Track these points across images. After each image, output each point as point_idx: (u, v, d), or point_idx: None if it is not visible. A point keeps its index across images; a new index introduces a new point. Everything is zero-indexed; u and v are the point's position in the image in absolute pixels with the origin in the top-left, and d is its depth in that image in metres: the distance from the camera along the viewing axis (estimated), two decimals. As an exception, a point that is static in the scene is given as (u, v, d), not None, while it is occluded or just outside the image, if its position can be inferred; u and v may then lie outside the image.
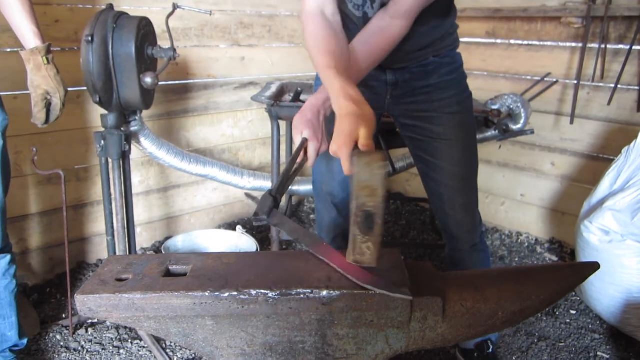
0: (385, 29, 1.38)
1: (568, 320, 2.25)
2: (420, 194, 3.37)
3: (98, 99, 1.83)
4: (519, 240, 2.98)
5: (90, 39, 1.74)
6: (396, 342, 1.09)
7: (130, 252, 2.14)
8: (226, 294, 1.01)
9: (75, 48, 2.30)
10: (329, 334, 1.07)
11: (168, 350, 2.00)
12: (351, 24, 1.49)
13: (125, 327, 2.10)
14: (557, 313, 2.30)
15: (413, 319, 1.06)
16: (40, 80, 1.62)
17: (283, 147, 2.74)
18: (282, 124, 2.55)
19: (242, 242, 2.53)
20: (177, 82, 2.72)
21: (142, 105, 1.92)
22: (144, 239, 2.81)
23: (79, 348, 2.01)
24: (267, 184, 2.68)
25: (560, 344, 2.09)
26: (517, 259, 2.80)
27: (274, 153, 2.40)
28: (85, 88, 1.86)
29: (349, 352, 1.09)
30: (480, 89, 2.78)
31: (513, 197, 3.05)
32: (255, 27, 2.95)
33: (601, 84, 2.55)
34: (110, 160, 2.00)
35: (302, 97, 2.44)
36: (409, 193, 3.61)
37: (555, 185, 2.86)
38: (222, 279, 1.06)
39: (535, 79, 2.74)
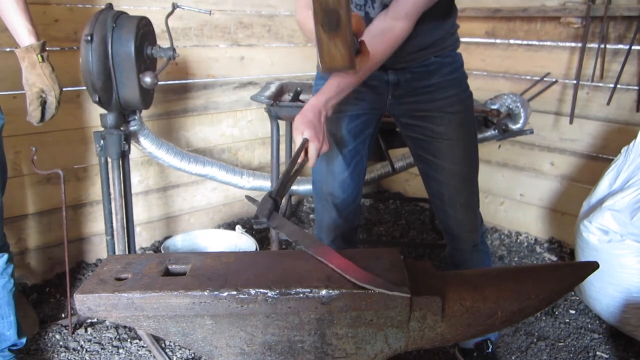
0: (387, 30, 1.38)
1: (567, 320, 2.25)
2: (420, 193, 3.37)
3: (97, 99, 1.82)
4: (519, 240, 2.98)
5: (89, 38, 1.73)
6: (395, 341, 1.09)
7: (129, 252, 2.14)
8: (225, 294, 1.01)
9: (75, 48, 2.30)
10: (328, 333, 1.07)
11: (167, 350, 2.00)
12: None
13: (125, 327, 2.10)
14: (557, 313, 2.30)
15: (412, 319, 1.06)
16: (35, 78, 1.60)
17: (282, 146, 2.74)
18: (282, 124, 2.55)
19: (242, 241, 2.53)
20: (176, 81, 2.72)
21: (142, 104, 1.92)
22: (143, 239, 2.81)
23: (78, 347, 2.01)
24: (267, 184, 2.68)
25: (560, 344, 2.09)
26: (516, 259, 2.80)
27: (274, 153, 2.40)
28: (84, 87, 1.86)
29: (348, 352, 1.09)
30: (480, 88, 2.78)
31: (512, 197, 3.05)
32: (254, 27, 2.95)
33: (600, 84, 2.55)
34: (109, 160, 2.00)
35: (301, 97, 2.44)
36: (409, 193, 3.61)
37: (554, 185, 2.86)
38: (222, 278, 1.06)
39: (535, 79, 2.74)
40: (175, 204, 2.90)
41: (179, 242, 2.55)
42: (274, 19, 3.02)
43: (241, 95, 2.98)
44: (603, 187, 2.20)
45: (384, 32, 1.38)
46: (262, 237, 2.83)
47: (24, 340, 1.83)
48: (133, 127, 2.09)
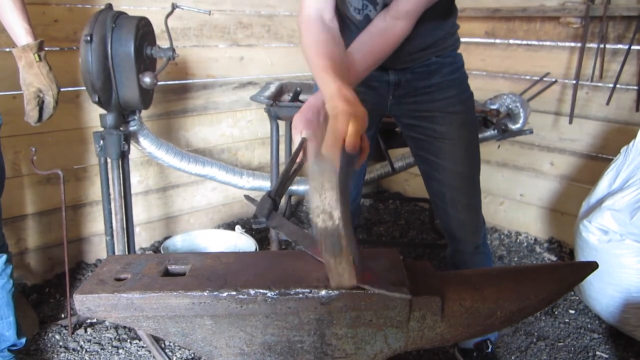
0: (387, 29, 1.38)
1: (567, 320, 2.25)
2: (419, 193, 3.37)
3: (97, 99, 1.82)
4: (518, 240, 2.99)
5: (89, 38, 1.73)
6: (395, 341, 1.09)
7: (129, 252, 2.14)
8: (225, 294, 1.01)
9: (74, 48, 2.30)
10: (328, 333, 1.07)
11: (167, 350, 2.00)
12: (352, 27, 1.48)
13: (124, 327, 2.10)
14: (556, 312, 2.30)
15: (412, 319, 1.06)
16: (32, 78, 1.60)
17: (282, 147, 2.74)
18: (281, 124, 2.55)
19: (241, 241, 2.53)
20: (176, 82, 2.72)
21: (141, 105, 1.92)
22: (142, 239, 2.81)
23: (78, 348, 2.01)
24: (266, 184, 2.68)
25: (559, 344, 2.09)
26: (516, 259, 2.80)
27: (273, 153, 2.40)
28: (84, 88, 1.86)
29: (348, 352, 1.09)
30: (479, 88, 2.78)
31: (512, 197, 3.05)
32: (254, 27, 2.95)
33: (600, 84, 2.56)
34: (109, 160, 2.00)
35: (301, 97, 2.44)
36: (408, 193, 3.61)
37: (554, 185, 2.86)
38: (221, 278, 1.06)
39: (534, 79, 2.74)
40: (175, 204, 2.90)
41: (178, 242, 2.55)
42: (273, 19, 3.01)
43: (241, 95, 2.98)
44: (602, 187, 2.20)
45: (384, 31, 1.38)
46: (261, 237, 2.83)
47: (23, 340, 1.83)
48: (133, 127, 2.08)
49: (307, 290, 1.02)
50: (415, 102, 1.60)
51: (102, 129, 1.96)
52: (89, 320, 2.14)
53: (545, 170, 2.88)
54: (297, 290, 1.02)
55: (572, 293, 2.40)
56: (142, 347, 2.02)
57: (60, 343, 2.04)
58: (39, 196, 2.39)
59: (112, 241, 2.08)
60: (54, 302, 2.31)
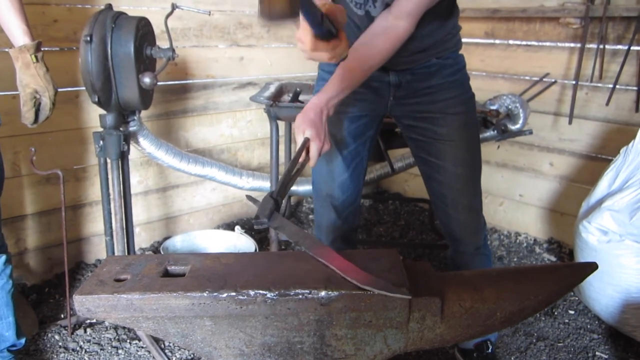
0: (389, 29, 1.38)
1: (567, 320, 2.25)
2: (419, 194, 3.37)
3: (97, 99, 1.82)
4: (518, 241, 2.99)
5: (89, 39, 1.73)
6: (394, 342, 1.09)
7: (128, 253, 2.14)
8: (225, 295, 1.01)
9: (74, 48, 2.30)
10: (328, 334, 1.07)
11: (167, 351, 2.00)
12: (352, 24, 1.48)
13: (124, 328, 2.10)
14: (556, 313, 2.30)
15: (411, 319, 1.06)
16: (29, 79, 1.58)
17: (282, 147, 2.74)
18: (281, 124, 2.55)
19: (241, 242, 2.53)
20: (175, 82, 2.72)
21: (141, 105, 1.92)
22: (142, 239, 2.81)
23: (78, 348, 2.01)
24: (266, 184, 2.68)
25: (559, 344, 2.09)
26: (515, 259, 2.80)
27: (273, 153, 2.40)
28: (83, 88, 1.86)
29: (348, 353, 1.09)
30: (479, 89, 2.76)
31: (512, 197, 3.05)
32: (254, 27, 2.95)
33: (599, 84, 2.56)
34: (109, 161, 2.00)
35: (301, 98, 2.44)
36: (408, 193, 3.61)
37: (553, 186, 2.86)
38: (221, 279, 1.06)
39: (534, 79, 2.74)
40: (175, 205, 2.90)
41: (178, 242, 2.55)
42: (273, 20, 3.01)
43: (240, 95, 2.98)
44: (602, 187, 2.20)
45: (386, 31, 1.38)
46: (261, 238, 2.82)
47: (23, 340, 1.83)
48: (132, 127, 2.08)
49: (307, 291, 1.02)
50: (416, 103, 1.60)
51: (101, 129, 1.95)
52: (88, 321, 2.14)
53: (545, 170, 2.88)
54: (297, 291, 1.02)
55: (572, 293, 2.40)
56: (142, 347, 2.02)
57: (60, 343, 2.04)
58: (39, 196, 2.38)
59: (112, 241, 2.08)
60: (53, 303, 2.31)
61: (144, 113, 2.24)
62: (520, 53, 2.85)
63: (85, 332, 2.09)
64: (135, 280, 1.06)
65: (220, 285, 1.03)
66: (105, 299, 1.02)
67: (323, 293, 1.02)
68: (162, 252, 2.43)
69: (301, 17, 0.94)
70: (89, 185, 2.54)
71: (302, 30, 1.05)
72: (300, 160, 1.31)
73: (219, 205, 3.09)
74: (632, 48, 2.38)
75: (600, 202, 2.16)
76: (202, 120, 2.88)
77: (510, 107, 2.42)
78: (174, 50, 1.88)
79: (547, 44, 2.74)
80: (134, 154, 2.33)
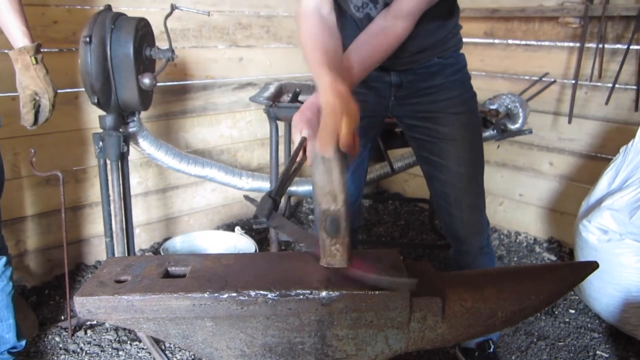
0: (387, 29, 1.37)
1: (567, 320, 2.25)
2: (419, 194, 3.38)
3: (96, 100, 1.82)
4: (518, 240, 2.99)
5: (88, 40, 1.73)
6: (396, 342, 1.09)
7: (128, 254, 2.13)
8: (225, 295, 1.01)
9: (73, 49, 2.30)
10: (329, 334, 1.07)
11: (167, 352, 2.00)
12: (353, 24, 1.48)
13: (124, 329, 2.10)
14: (556, 312, 2.30)
15: (412, 319, 1.06)
16: (29, 81, 1.58)
17: (281, 147, 2.74)
18: (281, 125, 2.55)
19: (241, 243, 2.53)
20: (175, 83, 2.72)
21: (141, 106, 1.92)
22: (142, 240, 2.80)
23: (78, 350, 2.01)
24: (266, 185, 2.68)
25: (560, 343, 2.10)
26: (515, 259, 2.80)
27: (273, 154, 2.40)
28: (83, 89, 1.86)
29: (349, 353, 1.09)
30: (479, 89, 2.75)
31: (511, 197, 3.05)
32: (253, 28, 2.95)
33: (599, 84, 2.56)
34: (108, 162, 1.99)
35: (300, 98, 2.44)
36: (408, 193, 3.61)
37: (553, 185, 2.86)
38: (221, 280, 1.06)
39: (533, 79, 2.74)
40: (175, 206, 2.90)
41: (178, 243, 2.55)
42: (272, 20, 3.01)
43: (240, 96, 2.98)
44: (602, 186, 2.20)
45: (385, 31, 1.37)
46: (261, 238, 2.82)
47: (23, 342, 1.83)
48: (132, 128, 2.08)
49: (308, 291, 1.02)
50: (417, 103, 1.60)
51: (101, 131, 1.95)
52: (88, 322, 2.14)
53: (545, 170, 2.88)
54: (298, 291, 1.02)
55: (572, 293, 2.40)
56: (143, 348, 2.02)
57: (60, 345, 2.03)
58: (38, 198, 2.38)
59: (112, 243, 2.08)
60: (53, 304, 2.31)
61: (143, 114, 2.24)
62: (520, 53, 2.85)
63: (85, 333, 2.09)
64: (136, 281, 1.06)
65: (221, 286, 1.03)
66: (106, 301, 1.02)
67: (324, 293, 1.02)
68: (162, 253, 2.43)
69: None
70: (88, 187, 2.53)
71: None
72: (298, 159, 1.31)
73: (219, 206, 3.09)
74: (631, 47, 2.39)
75: (600, 201, 2.16)
76: (201, 121, 2.88)
77: (509, 106, 2.42)
78: (173, 51, 1.88)
79: (546, 43, 2.74)
80: (133, 155, 2.33)
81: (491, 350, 1.87)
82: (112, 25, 1.78)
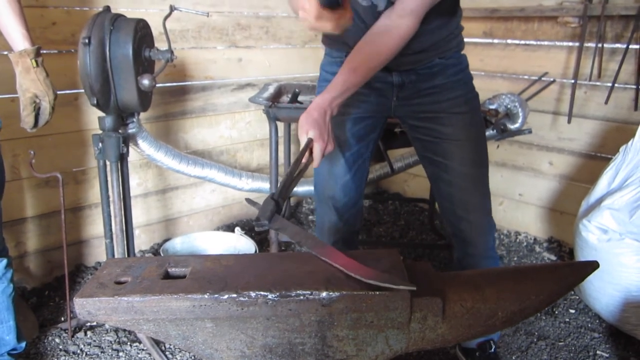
0: (392, 28, 1.37)
1: (567, 320, 2.25)
2: (419, 194, 3.38)
3: (95, 102, 1.82)
4: (518, 240, 2.99)
5: (87, 41, 1.73)
6: (396, 342, 1.08)
7: (128, 255, 2.13)
8: (225, 296, 1.01)
9: (72, 50, 2.30)
10: (329, 335, 1.07)
11: (167, 353, 2.00)
12: (355, 16, 1.47)
13: (125, 330, 2.10)
14: (556, 312, 2.30)
15: (413, 320, 1.06)
16: (29, 84, 1.59)
17: (281, 148, 2.74)
18: (280, 125, 2.55)
19: (241, 243, 2.53)
20: (174, 83, 2.72)
21: (140, 107, 1.92)
22: (142, 241, 2.80)
23: (78, 351, 2.01)
24: (266, 186, 2.68)
25: (560, 343, 2.09)
26: (515, 259, 2.80)
27: (272, 154, 2.40)
28: (82, 90, 1.85)
29: (349, 353, 1.09)
30: (478, 88, 2.75)
31: (511, 197, 3.05)
32: (252, 29, 2.95)
33: (598, 83, 2.56)
34: (108, 163, 1.99)
35: (299, 99, 2.44)
36: (407, 193, 3.61)
37: (553, 185, 2.86)
38: (221, 281, 1.05)
39: (533, 79, 2.74)
40: (174, 207, 2.90)
41: (178, 244, 2.55)
42: (271, 21, 3.01)
43: (239, 96, 2.98)
44: (602, 186, 2.20)
45: (390, 30, 1.37)
46: (261, 239, 2.82)
47: (23, 344, 1.83)
48: (131, 129, 2.08)
49: (308, 292, 1.02)
50: (419, 104, 1.60)
51: (100, 132, 1.95)
52: (88, 323, 2.14)
53: (544, 169, 2.88)
54: (298, 292, 1.02)
55: (572, 292, 2.40)
56: (143, 349, 2.02)
57: (60, 346, 2.03)
58: (38, 199, 2.38)
59: (112, 244, 2.07)
60: (53, 305, 2.31)
61: (143, 115, 2.24)
62: (519, 52, 2.85)
63: (85, 335, 2.09)
64: (136, 282, 1.06)
65: (221, 287, 1.03)
66: (106, 302, 1.02)
67: (324, 294, 1.02)
68: (162, 254, 2.43)
69: None
70: (88, 188, 2.53)
71: None
72: (304, 161, 1.31)
73: (219, 206, 3.09)
74: (630, 46, 2.39)
75: (600, 200, 2.16)
76: (201, 121, 2.88)
77: (509, 106, 2.42)
78: (172, 52, 1.88)
79: (546, 43, 2.74)
80: (133, 156, 2.33)
81: (492, 350, 1.87)
82: (111, 26, 1.78)
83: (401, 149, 2.66)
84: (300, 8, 1.06)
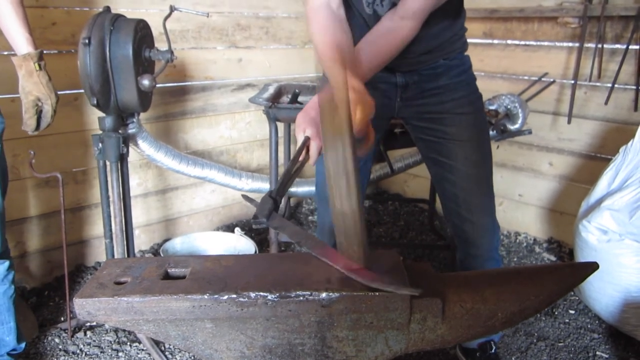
0: (394, 29, 1.37)
1: (567, 320, 2.25)
2: (419, 194, 3.38)
3: (95, 102, 1.82)
4: (518, 240, 2.99)
5: (87, 41, 1.73)
6: (396, 343, 1.08)
7: (128, 255, 2.13)
8: (225, 297, 1.01)
9: (73, 51, 2.30)
10: (329, 336, 1.07)
11: (167, 353, 2.00)
12: (361, 20, 1.48)
13: (124, 330, 2.10)
14: (556, 313, 2.30)
15: (412, 321, 1.06)
16: (32, 87, 1.61)
17: (281, 148, 2.74)
18: (280, 126, 2.55)
19: (241, 244, 2.53)
20: (174, 84, 2.72)
21: (140, 107, 1.92)
22: (142, 242, 2.80)
23: (78, 351, 2.01)
24: (266, 186, 2.68)
25: (560, 344, 2.09)
26: (515, 259, 2.80)
27: (272, 154, 2.40)
28: (82, 91, 1.86)
29: (349, 354, 1.09)
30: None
31: (511, 197, 3.05)
32: (252, 29, 2.95)
33: (598, 84, 2.56)
34: (108, 163, 1.99)
35: (299, 99, 2.44)
36: (407, 194, 3.61)
37: (553, 185, 2.86)
38: (221, 281, 1.05)
39: (533, 79, 2.74)
40: (174, 207, 2.90)
41: (178, 244, 2.55)
42: (271, 21, 3.02)
43: (239, 97, 2.98)
44: (602, 186, 2.20)
45: (391, 31, 1.37)
46: (261, 239, 2.82)
47: (23, 345, 1.83)
48: (131, 129, 2.08)
49: (308, 292, 1.02)
50: (423, 104, 1.60)
51: (100, 132, 1.95)
52: (88, 324, 2.14)
53: (544, 170, 2.88)
54: (298, 292, 1.02)
55: (572, 293, 2.40)
56: (142, 350, 2.02)
57: (60, 346, 2.03)
58: (38, 199, 2.38)
59: (112, 244, 2.07)
60: (53, 305, 2.31)
61: (143, 115, 2.24)
62: (519, 53, 2.85)
63: (85, 335, 2.09)
64: (136, 283, 1.06)
65: (220, 287, 1.03)
66: (106, 302, 1.01)
67: (324, 294, 1.02)
68: (162, 255, 2.43)
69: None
70: (88, 188, 2.53)
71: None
72: (300, 159, 1.31)
73: (219, 207, 3.09)
74: (630, 47, 2.39)
75: (599, 201, 2.16)
76: (201, 122, 2.88)
77: (509, 107, 2.42)
78: (172, 53, 1.88)
79: (546, 43, 2.74)
80: (133, 156, 2.33)
81: (492, 351, 1.87)
82: (111, 26, 1.78)
83: (401, 150, 2.66)
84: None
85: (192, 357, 1.98)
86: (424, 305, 1.06)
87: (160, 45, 1.98)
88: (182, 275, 1.11)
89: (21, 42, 1.57)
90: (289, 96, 2.49)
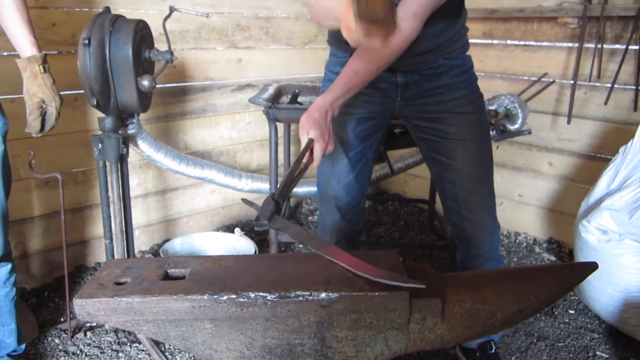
0: None
1: (567, 320, 2.25)
2: (419, 194, 3.38)
3: (95, 102, 1.82)
4: (517, 241, 2.99)
5: (87, 42, 1.73)
6: (395, 343, 1.08)
7: (128, 256, 2.13)
8: (225, 297, 1.01)
9: (72, 51, 2.30)
10: (328, 336, 1.07)
11: (167, 353, 2.00)
12: None
13: (124, 331, 2.10)
14: (556, 313, 2.30)
15: (412, 321, 1.06)
16: (36, 89, 1.62)
17: (281, 149, 2.74)
18: (280, 126, 2.55)
19: (241, 244, 2.53)
20: (174, 84, 2.72)
21: (140, 108, 1.92)
22: (142, 242, 2.80)
23: (78, 352, 2.01)
24: (265, 186, 2.68)
25: (559, 344, 2.09)
26: (515, 259, 2.80)
27: (272, 155, 2.40)
28: (82, 91, 1.86)
29: (348, 354, 1.09)
30: (478, 89, 2.79)
31: (511, 197, 3.05)
32: (252, 29, 2.95)
33: (598, 84, 2.56)
34: (108, 164, 1.99)
35: (299, 99, 2.44)
36: (407, 194, 3.61)
37: (553, 185, 2.86)
38: (221, 282, 1.06)
39: (532, 79, 2.74)
40: (174, 207, 2.90)
41: (177, 245, 2.55)
42: (271, 21, 3.02)
43: (239, 97, 2.98)
44: (601, 186, 2.20)
45: None
46: (261, 240, 2.82)
47: (23, 346, 1.83)
48: (131, 130, 2.08)
49: (307, 292, 1.02)
50: (424, 104, 1.60)
51: (100, 133, 1.95)
52: (88, 324, 2.14)
53: (544, 170, 2.88)
54: (297, 292, 1.02)
55: (572, 293, 2.40)
56: (142, 350, 2.02)
57: (60, 347, 2.03)
58: (38, 200, 2.38)
59: (112, 244, 2.08)
60: (53, 306, 2.31)
61: (142, 116, 2.24)
62: (519, 53, 2.85)
63: (85, 335, 2.09)
64: (135, 283, 1.06)
65: (220, 287, 1.03)
66: (105, 303, 1.02)
67: (323, 295, 1.02)
68: (161, 255, 2.43)
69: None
70: (88, 189, 2.53)
71: (349, 15, 0.94)
72: (304, 160, 1.31)
73: (218, 207, 3.09)
74: (630, 47, 2.39)
75: (599, 201, 2.16)
76: (200, 122, 2.88)
77: (508, 107, 2.42)
78: (172, 53, 1.88)
79: (545, 43, 2.75)
80: (133, 156, 2.33)
81: (492, 351, 1.87)
82: (111, 27, 1.78)
83: (401, 150, 2.66)
84: (345, 28, 1.02)
85: (192, 358, 1.98)
86: (424, 305, 1.06)
87: (160, 45, 1.98)
88: (181, 276, 1.11)
89: (26, 44, 1.58)
90: (289, 96, 2.49)
